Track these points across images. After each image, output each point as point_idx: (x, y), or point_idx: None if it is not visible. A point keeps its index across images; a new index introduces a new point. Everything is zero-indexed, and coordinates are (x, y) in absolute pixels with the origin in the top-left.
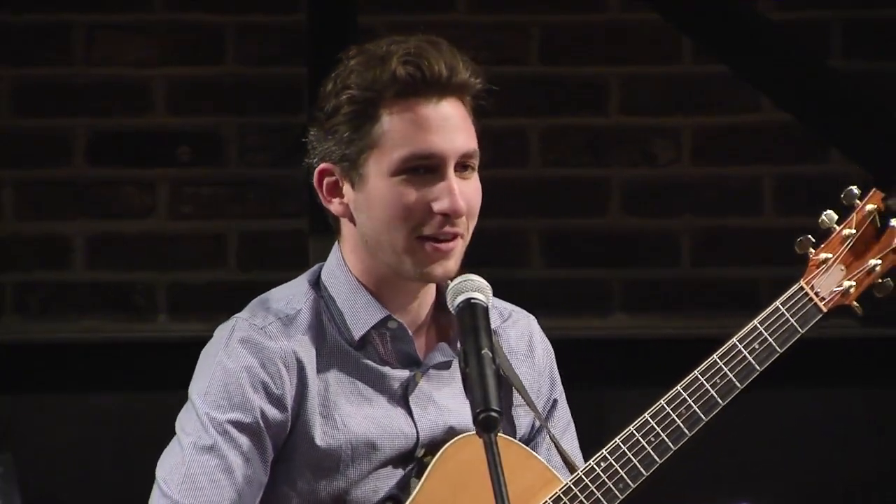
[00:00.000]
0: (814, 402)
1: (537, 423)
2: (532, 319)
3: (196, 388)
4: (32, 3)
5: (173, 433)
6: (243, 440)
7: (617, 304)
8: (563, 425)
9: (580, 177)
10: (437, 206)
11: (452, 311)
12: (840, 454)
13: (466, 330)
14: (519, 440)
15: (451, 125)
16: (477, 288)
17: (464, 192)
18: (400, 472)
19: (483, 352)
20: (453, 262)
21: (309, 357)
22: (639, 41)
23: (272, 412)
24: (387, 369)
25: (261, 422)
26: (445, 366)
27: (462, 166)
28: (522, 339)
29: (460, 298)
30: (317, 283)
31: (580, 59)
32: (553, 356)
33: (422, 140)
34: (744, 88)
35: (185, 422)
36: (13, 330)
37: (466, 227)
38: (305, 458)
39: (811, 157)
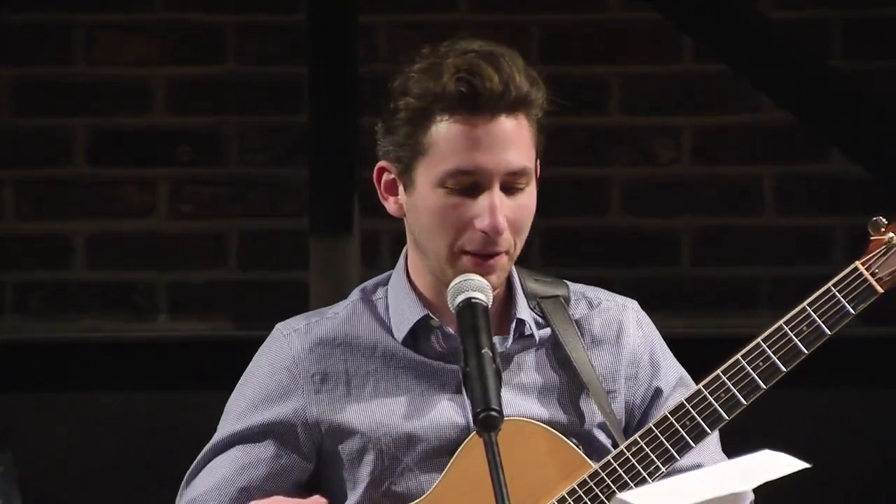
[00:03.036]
0: (814, 401)
1: (636, 410)
2: (628, 308)
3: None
4: (32, 2)
5: (174, 431)
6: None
7: None
8: None
9: (580, 176)
10: (479, 224)
11: (452, 311)
12: (840, 454)
13: (466, 329)
14: (595, 424)
15: (501, 143)
16: (477, 287)
17: (510, 209)
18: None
19: (483, 351)
20: (495, 278)
21: (332, 359)
22: (639, 41)
23: (284, 419)
24: (440, 363)
25: (273, 429)
26: (501, 357)
27: (509, 184)
28: (609, 326)
29: (460, 298)
30: (375, 286)
31: (580, 58)
32: (657, 343)
33: (468, 156)
34: (744, 88)
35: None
36: (13, 329)
37: (512, 243)
38: (341, 456)
39: (811, 157)
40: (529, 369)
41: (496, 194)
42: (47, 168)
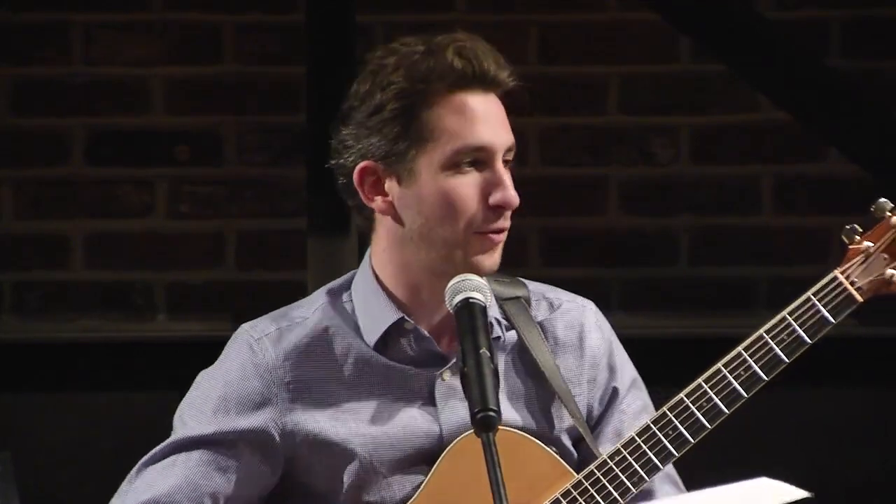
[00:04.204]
0: (814, 401)
1: (594, 412)
2: (587, 309)
3: (186, 397)
4: (31, 2)
5: (171, 432)
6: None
7: (615, 304)
8: (634, 413)
9: (579, 176)
10: (493, 199)
11: (451, 311)
12: (841, 454)
13: (464, 329)
14: (563, 430)
15: (498, 118)
16: (475, 287)
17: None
18: (426, 471)
19: (481, 351)
20: (498, 255)
21: (305, 366)
22: (637, 41)
23: (249, 426)
24: (411, 368)
25: (235, 437)
26: None
27: (506, 160)
28: (572, 329)
29: (458, 298)
30: (339, 290)
31: (579, 58)
32: (614, 345)
33: (474, 133)
34: (742, 88)
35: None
36: (11, 329)
37: (509, 221)
38: (316, 466)
39: (810, 157)
40: (501, 374)
41: (502, 170)
42: (46, 168)
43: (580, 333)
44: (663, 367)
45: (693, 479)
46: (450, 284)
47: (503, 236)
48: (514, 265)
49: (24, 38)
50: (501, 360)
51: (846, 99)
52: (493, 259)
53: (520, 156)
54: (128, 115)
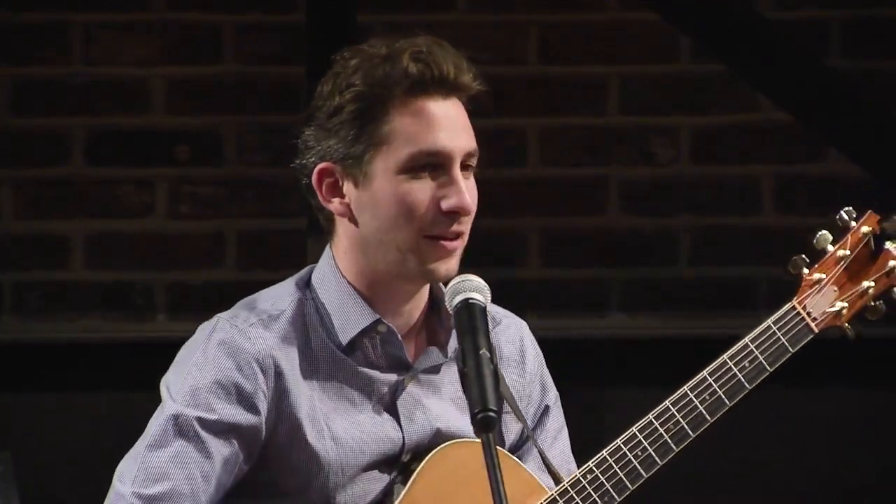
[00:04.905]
0: (814, 402)
1: (526, 432)
2: (524, 325)
3: (168, 385)
4: (31, 2)
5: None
6: (207, 437)
7: (615, 304)
8: (555, 431)
9: (579, 176)
10: (446, 205)
11: (450, 311)
12: (840, 454)
13: (464, 330)
14: (508, 448)
15: (456, 124)
16: (475, 288)
17: (468, 192)
18: (386, 478)
19: (481, 351)
20: (455, 262)
21: (289, 359)
22: (637, 41)
23: (243, 415)
24: (375, 373)
25: (228, 424)
26: (435, 370)
27: (464, 166)
28: (514, 345)
29: (458, 298)
30: (306, 286)
31: (579, 58)
32: (543, 361)
33: (430, 138)
34: (742, 88)
35: (152, 421)
36: (11, 329)
37: (468, 227)
38: (288, 461)
39: (810, 157)
40: (451, 384)
41: (459, 175)
42: (46, 168)
43: (521, 349)
44: (663, 368)
45: (692, 478)
46: (450, 285)
47: (458, 243)
48: (514, 265)
49: (24, 38)
50: (452, 371)
51: (846, 99)
52: (447, 266)
53: (519, 155)
54: (128, 115)
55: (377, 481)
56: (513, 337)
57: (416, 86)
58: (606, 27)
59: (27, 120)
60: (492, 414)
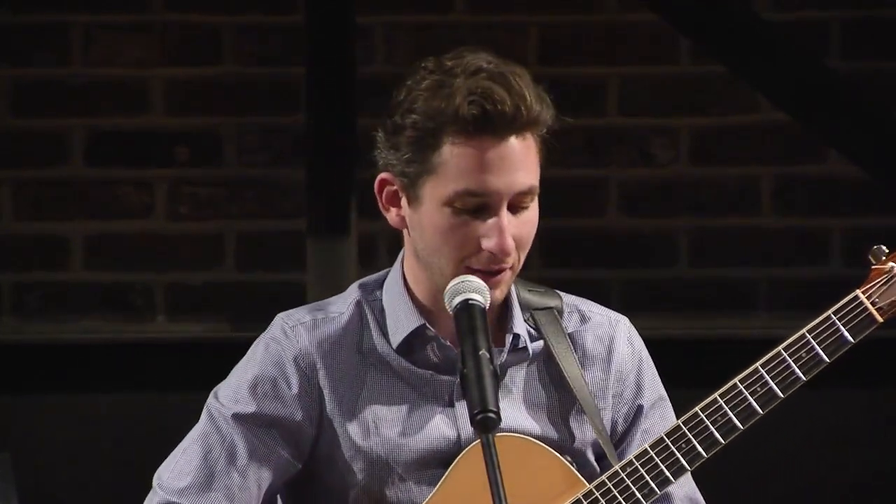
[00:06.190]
0: (814, 402)
1: (619, 428)
2: (619, 323)
3: (223, 383)
4: (30, 2)
5: (171, 432)
6: (244, 432)
7: (615, 305)
8: (658, 433)
9: (578, 177)
10: (486, 244)
11: (450, 312)
12: (840, 454)
13: (464, 331)
14: (586, 443)
15: (510, 164)
16: (475, 289)
17: (515, 227)
18: (441, 473)
19: (481, 353)
20: (499, 292)
21: (335, 359)
22: (637, 42)
23: (282, 410)
24: (432, 374)
25: (268, 418)
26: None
27: (517, 203)
28: (601, 342)
29: (458, 299)
30: (373, 286)
31: (578, 59)
32: (645, 361)
33: (478, 178)
34: (742, 89)
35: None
36: (11, 330)
37: (517, 258)
38: (336, 459)
39: (810, 158)
40: (523, 383)
41: (504, 215)
42: (45, 169)
43: (609, 347)
44: (663, 368)
45: (693, 478)
46: (449, 286)
47: (502, 276)
48: None
49: (24, 39)
50: (525, 370)
51: (846, 99)
52: (492, 294)
53: None
54: (128, 116)
55: (432, 480)
56: (602, 334)
57: (471, 127)
58: (606, 27)
59: (27, 120)
60: (492, 415)
